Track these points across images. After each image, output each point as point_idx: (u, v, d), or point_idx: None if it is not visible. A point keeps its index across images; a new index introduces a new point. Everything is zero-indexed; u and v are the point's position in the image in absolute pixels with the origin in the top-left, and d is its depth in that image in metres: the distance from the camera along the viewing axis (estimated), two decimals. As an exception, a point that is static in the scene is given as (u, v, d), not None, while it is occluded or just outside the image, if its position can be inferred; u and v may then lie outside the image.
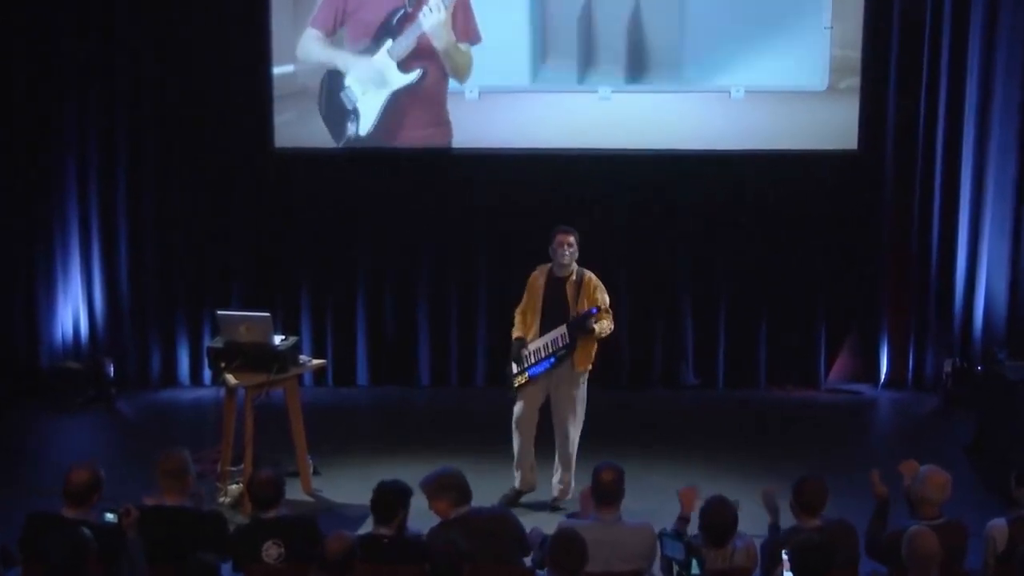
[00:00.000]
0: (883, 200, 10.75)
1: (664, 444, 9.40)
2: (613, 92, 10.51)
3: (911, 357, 10.91)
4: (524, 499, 8.26)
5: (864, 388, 11.01)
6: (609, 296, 8.23)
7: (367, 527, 5.80)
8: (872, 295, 10.93)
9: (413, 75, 10.50)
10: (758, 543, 5.93)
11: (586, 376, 8.17)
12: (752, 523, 6.18)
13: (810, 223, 10.81)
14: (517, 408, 8.20)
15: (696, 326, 11.03)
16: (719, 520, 5.73)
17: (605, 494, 5.99)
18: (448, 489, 6.02)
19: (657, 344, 11.02)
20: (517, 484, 8.29)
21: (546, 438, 8.29)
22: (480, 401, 10.54)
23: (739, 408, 10.56)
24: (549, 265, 8.19)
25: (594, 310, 7.98)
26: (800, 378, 11.05)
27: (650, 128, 10.55)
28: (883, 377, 10.98)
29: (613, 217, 10.74)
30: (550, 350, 8.02)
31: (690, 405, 10.67)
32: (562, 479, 8.24)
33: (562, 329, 8.01)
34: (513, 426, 8.22)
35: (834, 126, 10.47)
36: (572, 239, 8.05)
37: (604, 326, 8.05)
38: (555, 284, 8.11)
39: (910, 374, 10.94)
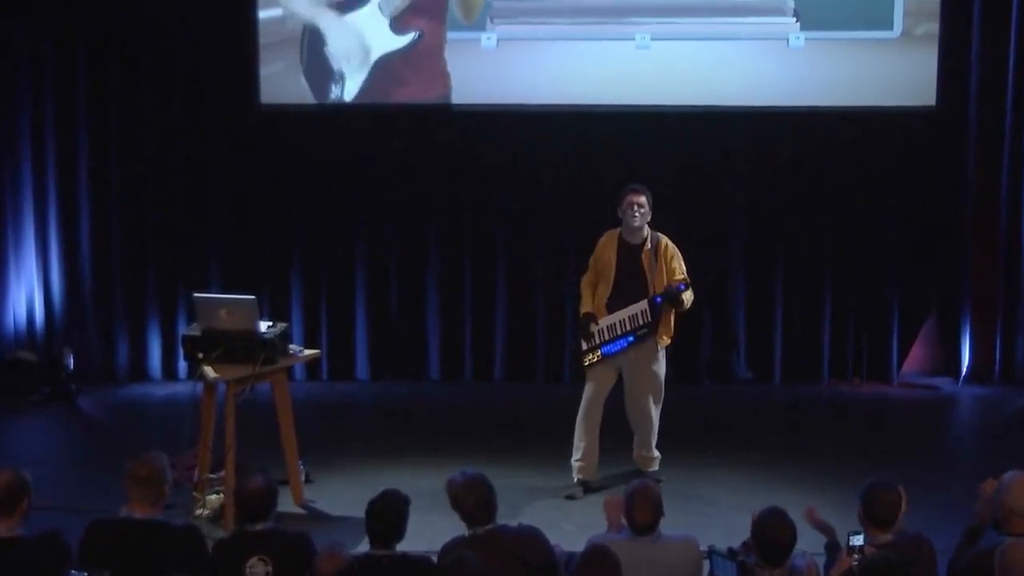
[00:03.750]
0: (966, 164, 10.71)
1: (711, 447, 9.39)
2: (652, 39, 10.47)
3: (997, 347, 10.91)
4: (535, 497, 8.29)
5: (943, 382, 11.01)
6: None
7: (366, 545, 5.78)
8: (953, 275, 10.90)
9: (407, 39, 10.45)
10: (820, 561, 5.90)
11: (665, 350, 8.40)
12: (812, 540, 6.14)
13: (881, 191, 10.78)
14: (587, 392, 8.38)
15: (749, 311, 11.02)
16: (775, 536, 5.67)
17: (641, 530, 5.95)
18: (465, 509, 5.97)
19: (705, 332, 11.00)
20: (581, 475, 8.42)
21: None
22: (498, 398, 10.55)
23: (798, 405, 10.55)
24: (619, 230, 8.33)
25: (682, 286, 8.19)
26: (869, 371, 11.03)
27: (694, 81, 10.52)
28: (965, 370, 10.97)
29: (652, 184, 10.62)
30: (628, 327, 8.23)
31: (742, 402, 10.67)
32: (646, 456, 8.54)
33: (642, 305, 8.20)
34: (580, 414, 8.38)
35: (909, 79, 10.43)
36: (643, 199, 8.24)
37: (687, 297, 8.28)
38: (629, 252, 8.29)
39: (996, 366, 10.94)
